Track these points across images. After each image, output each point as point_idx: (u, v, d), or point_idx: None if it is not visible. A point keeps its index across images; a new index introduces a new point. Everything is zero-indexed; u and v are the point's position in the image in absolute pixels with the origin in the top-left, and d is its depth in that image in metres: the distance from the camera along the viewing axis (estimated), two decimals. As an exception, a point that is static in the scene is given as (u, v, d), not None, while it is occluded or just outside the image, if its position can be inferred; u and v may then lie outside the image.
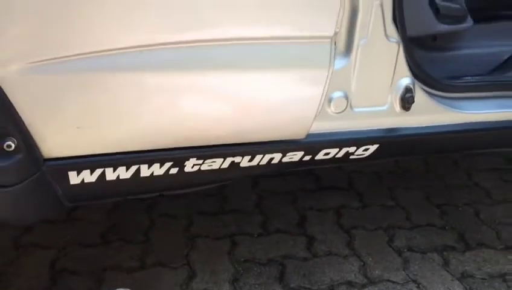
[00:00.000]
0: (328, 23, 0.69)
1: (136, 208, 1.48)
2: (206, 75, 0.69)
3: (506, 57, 1.03)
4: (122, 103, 0.69)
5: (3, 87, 0.61)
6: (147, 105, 0.71)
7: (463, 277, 1.30)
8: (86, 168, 0.72)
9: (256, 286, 1.24)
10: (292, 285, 1.24)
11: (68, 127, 0.67)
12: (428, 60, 1.00)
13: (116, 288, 1.13)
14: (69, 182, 0.73)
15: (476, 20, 0.99)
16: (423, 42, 0.98)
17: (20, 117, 0.64)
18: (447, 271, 1.32)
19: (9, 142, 0.64)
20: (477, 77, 0.94)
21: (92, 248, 1.33)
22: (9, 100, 0.62)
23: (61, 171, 0.71)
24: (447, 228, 1.49)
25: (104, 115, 0.69)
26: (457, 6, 0.93)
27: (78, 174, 0.72)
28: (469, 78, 0.93)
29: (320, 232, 1.44)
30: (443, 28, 0.94)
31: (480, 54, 1.02)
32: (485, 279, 1.30)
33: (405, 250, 1.39)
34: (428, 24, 0.93)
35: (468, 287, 1.26)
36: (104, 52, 0.64)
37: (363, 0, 0.75)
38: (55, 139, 0.68)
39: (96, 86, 0.66)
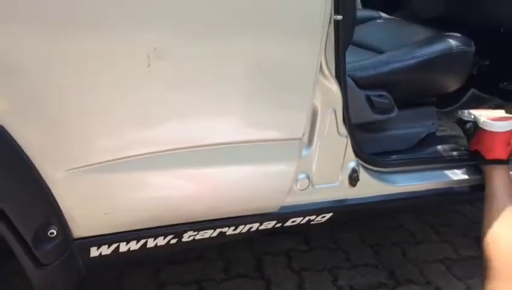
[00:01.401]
0: (298, 130, 0.93)
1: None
2: (206, 170, 0.89)
3: (423, 136, 1.33)
4: (136, 196, 0.87)
5: (50, 187, 0.77)
6: (155, 195, 0.89)
7: (396, 310, 1.57)
8: (104, 244, 0.89)
9: (223, 327, 1.42)
10: (255, 326, 1.44)
11: (97, 214, 0.84)
12: (368, 139, 1.26)
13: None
14: (89, 255, 0.89)
15: (400, 107, 1.27)
16: (362, 126, 1.25)
17: (61, 209, 0.80)
18: (382, 306, 1.58)
19: (52, 230, 0.79)
20: (403, 155, 1.22)
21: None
22: (54, 197, 0.78)
23: (85, 247, 0.87)
24: (379, 266, 1.76)
25: (123, 205, 0.86)
26: (386, 101, 1.21)
27: (98, 248, 0.89)
28: (398, 156, 1.20)
29: (275, 275, 1.65)
30: (377, 117, 1.21)
31: (404, 134, 1.30)
32: (413, 312, 1.57)
33: (347, 288, 1.64)
34: (366, 115, 1.20)
35: (399, 320, 1.53)
36: (125, 159, 0.83)
37: (321, 108, 0.99)
38: (85, 223, 0.84)
39: (119, 184, 0.84)
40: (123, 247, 0.91)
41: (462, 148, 1.31)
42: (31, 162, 0.74)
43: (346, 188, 1.10)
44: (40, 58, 0.72)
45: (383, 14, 1.68)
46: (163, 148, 0.85)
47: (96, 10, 0.72)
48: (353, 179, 1.09)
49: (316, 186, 1.06)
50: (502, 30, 1.64)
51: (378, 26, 1.59)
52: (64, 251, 0.83)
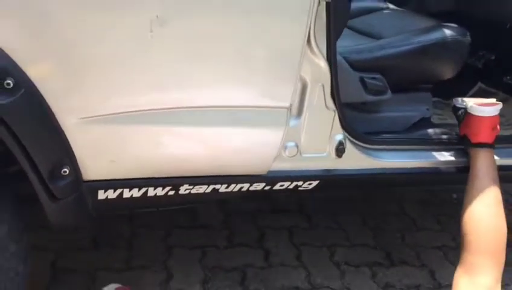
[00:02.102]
0: (285, 100, 1.04)
1: (119, 220, 1.76)
2: (202, 130, 1.02)
3: (415, 120, 1.41)
4: (140, 147, 1.01)
5: (65, 132, 0.92)
6: (156, 148, 1.03)
7: (386, 287, 1.65)
8: (110, 188, 1.03)
9: (222, 287, 1.55)
10: (251, 288, 1.56)
11: (104, 160, 0.99)
12: (360, 119, 1.36)
13: (108, 284, 1.41)
14: (97, 197, 1.03)
15: (395, 91, 1.37)
16: (356, 106, 1.35)
17: (73, 152, 0.94)
18: (374, 282, 1.67)
19: (65, 169, 0.94)
20: (391, 134, 1.31)
21: (85, 252, 1.61)
22: (68, 141, 0.93)
23: (93, 189, 1.02)
24: (377, 247, 1.85)
25: (127, 154, 1.00)
26: (380, 83, 1.30)
27: (105, 192, 1.03)
28: (386, 135, 1.30)
29: (275, 247, 1.77)
30: (369, 98, 1.31)
31: (397, 117, 1.39)
32: (403, 289, 1.66)
33: (343, 264, 1.74)
34: (359, 95, 1.30)
35: (389, 296, 1.62)
36: (131, 112, 0.96)
37: (310, 82, 1.10)
38: (93, 168, 0.99)
39: (125, 135, 0.98)
40: (126, 193, 1.05)
41: (453, 133, 1.39)
42: (50, 109, 0.89)
43: (333, 159, 1.20)
44: (65, 22, 0.86)
45: (392, 6, 1.77)
46: (164, 106, 0.99)
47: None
48: (339, 150, 1.19)
49: (304, 155, 1.17)
50: (508, 26, 1.70)
51: (384, 16, 1.68)
52: (75, 189, 0.97)
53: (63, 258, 1.57)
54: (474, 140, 1.31)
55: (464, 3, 1.70)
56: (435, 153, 1.33)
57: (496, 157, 1.36)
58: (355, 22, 1.67)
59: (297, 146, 1.16)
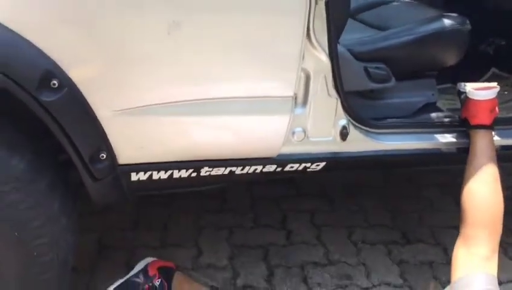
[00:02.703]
0: (289, 90, 1.19)
1: (156, 205, 1.96)
2: (218, 119, 1.18)
3: (420, 105, 1.52)
4: (165, 134, 1.18)
5: (102, 122, 1.10)
6: (179, 135, 1.20)
7: (400, 263, 1.77)
8: (141, 171, 1.21)
9: (246, 262, 1.71)
10: (273, 263, 1.72)
11: (135, 147, 1.16)
12: (367, 105, 1.48)
13: (145, 258, 1.59)
14: (130, 179, 1.21)
15: (400, 79, 1.48)
16: (364, 94, 1.47)
17: (109, 140, 1.12)
18: (389, 258, 1.79)
19: (103, 154, 1.12)
20: (394, 119, 1.43)
21: (126, 231, 1.82)
22: (104, 131, 1.11)
23: (127, 172, 1.20)
24: (394, 228, 1.96)
25: (155, 141, 1.18)
26: (383, 72, 1.42)
27: (136, 174, 1.21)
28: (389, 119, 1.42)
29: (297, 227, 1.92)
30: (374, 86, 1.43)
31: (402, 102, 1.50)
32: (416, 264, 1.76)
33: (360, 242, 1.86)
34: (363, 84, 1.42)
35: (402, 269, 1.73)
36: (156, 105, 1.13)
37: (313, 73, 1.24)
38: (126, 153, 1.17)
39: (152, 125, 1.15)
40: (155, 175, 1.23)
41: (456, 117, 1.49)
42: (88, 104, 1.07)
43: (338, 142, 1.33)
44: (99, 29, 1.03)
45: (401, -3, 1.87)
46: (184, 99, 1.15)
47: None
48: (343, 134, 1.32)
49: (311, 139, 1.31)
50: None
51: (393, 8, 1.78)
52: (111, 171, 1.16)
53: (107, 237, 1.78)
54: (473, 122, 1.40)
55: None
56: (437, 135, 1.43)
57: (498, 137, 1.45)
58: (366, 15, 1.79)
59: (304, 131, 1.30)
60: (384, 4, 1.82)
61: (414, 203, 2.12)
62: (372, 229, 1.94)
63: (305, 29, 1.15)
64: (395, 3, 1.81)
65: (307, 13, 1.13)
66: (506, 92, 1.85)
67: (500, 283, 1.23)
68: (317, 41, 1.21)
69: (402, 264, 1.76)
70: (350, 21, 1.77)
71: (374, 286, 1.65)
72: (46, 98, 1.00)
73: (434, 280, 1.68)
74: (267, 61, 1.17)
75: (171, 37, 1.07)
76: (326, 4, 1.18)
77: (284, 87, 1.19)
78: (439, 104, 1.63)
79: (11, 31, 0.97)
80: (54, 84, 1.00)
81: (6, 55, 0.97)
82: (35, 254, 1.12)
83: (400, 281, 1.67)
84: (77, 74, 1.04)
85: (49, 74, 1.00)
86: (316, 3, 1.15)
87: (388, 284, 1.65)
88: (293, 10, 1.12)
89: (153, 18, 1.06)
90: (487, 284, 1.21)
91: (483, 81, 1.91)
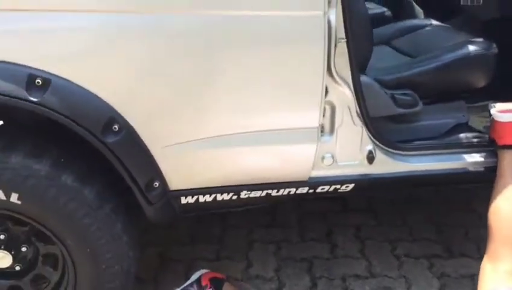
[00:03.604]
0: (314, 122, 1.35)
1: (212, 221, 2.18)
2: (254, 148, 1.37)
3: (451, 126, 1.61)
4: (209, 164, 1.39)
5: (154, 156, 1.33)
6: (221, 165, 1.40)
7: (441, 276, 1.85)
8: (189, 195, 1.43)
9: (291, 274, 1.88)
10: (316, 275, 1.87)
11: (182, 175, 1.39)
12: (397, 129, 1.61)
13: (199, 269, 1.80)
14: (180, 202, 1.44)
15: (427, 102, 1.59)
16: (393, 118, 1.60)
17: (160, 171, 1.35)
18: (430, 271, 1.87)
19: (156, 183, 1.35)
20: (420, 141, 1.54)
21: (184, 246, 2.05)
22: (156, 163, 1.34)
23: (177, 196, 1.42)
24: (438, 241, 2.04)
25: (200, 170, 1.39)
26: (409, 98, 1.54)
27: (185, 198, 1.43)
28: (416, 142, 1.53)
29: (342, 241, 2.05)
30: (401, 111, 1.55)
31: (431, 124, 1.61)
32: (457, 278, 1.83)
33: (402, 256, 1.96)
34: (391, 109, 1.55)
35: (442, 282, 1.81)
36: (201, 139, 1.34)
37: (338, 105, 1.39)
38: (175, 181, 1.39)
39: (197, 156, 1.36)
40: (201, 198, 1.44)
41: (486, 137, 1.57)
42: (143, 142, 1.30)
43: (365, 165, 1.47)
44: (156, 80, 1.26)
45: (435, 22, 1.96)
46: (227, 133, 1.35)
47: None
48: (370, 158, 1.46)
49: (340, 163, 1.47)
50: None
51: (424, 34, 1.89)
52: (164, 196, 1.38)
53: (168, 250, 2.02)
54: (500, 142, 1.48)
55: (506, 9, 1.84)
56: (465, 155, 1.53)
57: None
58: (400, 42, 1.91)
59: (332, 156, 1.46)
60: (418, 29, 1.92)
61: (462, 217, 2.17)
62: (416, 243, 2.03)
63: (325, 66, 1.31)
64: (427, 28, 1.91)
65: (327, 52, 1.29)
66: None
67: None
68: (339, 76, 1.37)
69: (443, 278, 1.84)
70: (384, 48, 1.91)
71: (413, 298, 1.74)
72: (109, 139, 1.24)
73: (473, 293, 1.74)
74: (293, 97, 1.35)
75: (216, 81, 1.28)
76: (347, 44, 1.34)
77: (309, 119, 1.36)
78: (474, 123, 1.71)
79: (80, 86, 1.22)
80: (115, 128, 1.25)
81: (77, 106, 1.22)
82: (103, 266, 1.37)
83: (439, 294, 1.75)
84: (133, 119, 1.27)
85: (112, 120, 1.24)
86: (336, 44, 1.31)
87: (427, 297, 1.74)
88: (313, 50, 1.29)
89: (198, 67, 1.26)
90: (510, 298, 1.29)
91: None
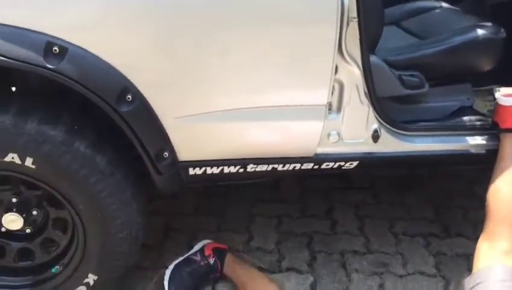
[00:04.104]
0: (322, 99, 1.39)
1: (215, 194, 2.24)
2: (262, 123, 1.41)
3: (454, 108, 1.66)
4: (217, 137, 1.43)
5: (165, 127, 1.37)
6: (229, 137, 1.44)
7: (437, 254, 1.92)
8: (197, 166, 1.48)
9: (291, 248, 1.95)
10: (316, 249, 1.94)
11: (192, 147, 1.43)
12: (403, 109, 1.65)
13: (202, 240, 1.87)
14: (188, 173, 1.49)
15: (433, 84, 1.63)
16: (399, 99, 1.64)
17: (171, 141, 1.40)
18: (426, 249, 1.94)
19: (166, 153, 1.40)
20: (425, 122, 1.58)
21: (188, 217, 2.10)
22: (167, 134, 1.38)
23: (185, 167, 1.47)
24: (436, 221, 2.10)
25: (209, 142, 1.44)
26: (416, 79, 1.58)
27: (193, 169, 1.48)
28: (420, 123, 1.57)
29: (341, 218, 2.12)
30: (407, 92, 1.59)
31: (436, 106, 1.65)
32: (453, 256, 1.91)
33: (400, 234, 2.03)
34: (398, 90, 1.58)
35: (438, 261, 1.89)
36: (209, 112, 1.38)
37: (346, 84, 1.43)
38: (184, 152, 1.44)
39: (207, 128, 1.40)
40: (209, 170, 1.49)
41: (489, 120, 1.61)
42: (155, 113, 1.34)
43: (370, 143, 1.52)
44: (169, 51, 1.30)
45: (445, 5, 1.98)
46: (236, 107, 1.39)
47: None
48: (375, 137, 1.51)
49: (345, 141, 1.51)
50: None
51: (433, 16, 1.91)
52: (173, 167, 1.43)
53: (173, 220, 2.08)
54: (502, 126, 1.53)
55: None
56: (467, 137, 1.58)
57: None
58: (409, 23, 1.93)
59: (338, 134, 1.50)
60: (428, 11, 1.94)
61: (461, 199, 2.23)
62: (414, 222, 2.10)
63: (337, 45, 1.35)
64: (437, 11, 1.94)
65: (338, 31, 1.33)
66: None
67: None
68: (349, 55, 1.40)
69: (438, 256, 1.91)
70: (394, 28, 1.94)
71: (409, 274, 1.82)
72: (123, 109, 1.29)
73: (468, 272, 1.81)
74: (303, 75, 1.39)
75: (227, 56, 1.31)
76: (359, 23, 1.37)
77: (318, 96, 1.40)
78: (479, 106, 1.75)
79: (96, 56, 1.25)
80: (128, 98, 1.29)
81: (93, 75, 1.26)
82: (113, 231, 1.43)
83: (434, 271, 1.83)
84: (146, 90, 1.31)
85: (125, 89, 1.28)
86: (348, 23, 1.34)
87: (422, 273, 1.82)
88: (325, 29, 1.32)
89: (210, 41, 1.30)
90: (504, 275, 1.36)
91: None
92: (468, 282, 1.40)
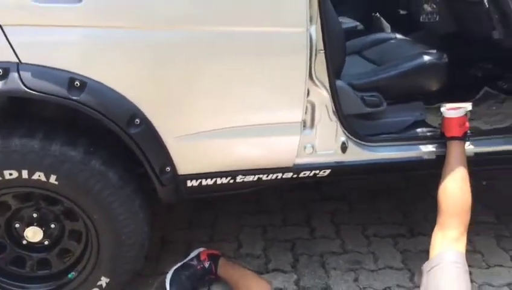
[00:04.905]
0: (297, 117, 1.68)
1: (206, 209, 2.48)
2: (249, 140, 1.69)
3: (410, 123, 1.97)
4: (211, 153, 1.70)
5: (167, 145, 1.63)
6: (221, 153, 1.71)
7: (404, 251, 2.20)
8: (194, 179, 1.74)
9: (276, 252, 2.20)
10: (298, 252, 2.20)
11: (190, 162, 1.69)
12: (366, 125, 1.95)
13: (197, 248, 2.11)
14: (187, 185, 1.74)
15: (390, 102, 1.95)
16: (363, 116, 1.94)
17: (172, 158, 1.66)
18: (395, 248, 2.22)
19: (168, 168, 1.66)
20: (387, 134, 1.89)
21: (183, 230, 2.34)
22: (168, 151, 1.64)
23: (184, 180, 1.73)
24: (403, 224, 2.39)
25: (203, 157, 1.70)
26: (376, 99, 1.89)
27: (190, 181, 1.74)
28: (382, 135, 1.88)
29: (319, 225, 2.39)
30: (369, 110, 1.90)
31: (394, 121, 1.96)
32: (417, 253, 2.19)
33: (371, 236, 2.31)
34: (361, 108, 1.89)
35: (404, 257, 2.17)
36: (204, 132, 1.66)
37: (317, 104, 1.73)
38: (183, 167, 1.70)
39: (202, 145, 1.67)
40: (204, 182, 1.75)
41: (438, 131, 1.93)
42: (158, 134, 1.60)
43: (339, 153, 1.81)
44: (168, 84, 1.57)
45: (399, 36, 2.33)
46: (224, 126, 1.66)
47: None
48: (343, 148, 1.80)
49: (319, 152, 1.80)
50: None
51: (389, 45, 2.26)
52: (174, 180, 1.69)
53: (168, 235, 2.32)
54: (447, 135, 1.85)
55: (460, 26, 2.22)
56: (421, 146, 1.89)
57: (471, 146, 1.89)
58: (369, 52, 2.27)
59: (313, 147, 1.79)
60: (385, 42, 2.29)
61: (423, 203, 2.53)
62: (383, 226, 2.39)
63: (307, 72, 1.64)
64: (392, 41, 2.28)
65: (308, 61, 1.62)
66: (494, 108, 2.26)
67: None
68: (318, 81, 1.70)
69: (405, 253, 2.19)
70: (356, 57, 2.27)
71: (379, 269, 2.10)
72: (132, 131, 1.55)
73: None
74: (281, 98, 1.68)
75: (215, 85, 1.59)
76: (325, 54, 1.67)
77: (294, 115, 1.69)
78: (431, 121, 2.07)
79: (110, 88, 1.51)
80: (137, 122, 1.55)
81: (108, 104, 1.52)
82: (123, 237, 1.67)
83: (402, 265, 2.11)
84: (151, 115, 1.58)
85: (134, 115, 1.54)
86: (316, 54, 1.65)
87: (391, 267, 2.10)
88: (297, 60, 1.62)
89: (199, 73, 1.58)
90: (456, 258, 1.65)
91: (478, 99, 2.33)
92: (426, 266, 1.69)
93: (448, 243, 1.70)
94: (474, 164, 1.88)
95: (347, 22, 2.63)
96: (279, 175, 1.81)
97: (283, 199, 2.59)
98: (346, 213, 2.49)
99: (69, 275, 1.75)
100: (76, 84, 1.47)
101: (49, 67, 1.46)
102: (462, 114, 1.84)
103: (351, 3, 2.72)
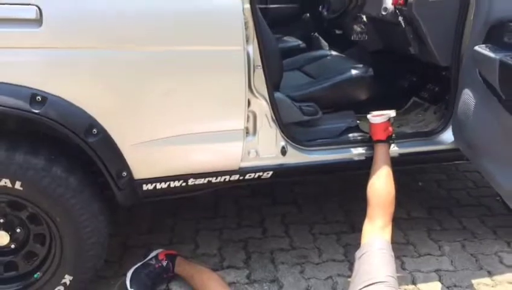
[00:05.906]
0: (240, 125, 1.87)
1: (165, 214, 2.62)
2: (197, 146, 1.86)
3: (343, 129, 2.19)
4: (164, 158, 1.86)
5: (123, 152, 1.78)
6: (173, 158, 1.88)
7: (345, 245, 2.39)
8: (149, 183, 1.89)
9: (231, 251, 2.35)
10: (251, 250, 2.35)
11: (144, 167, 1.85)
12: (305, 131, 2.16)
13: (155, 250, 2.24)
14: (143, 188, 1.89)
15: (325, 111, 2.16)
16: (302, 123, 2.14)
17: (128, 163, 1.81)
18: (337, 243, 2.41)
19: (124, 173, 1.81)
20: (323, 139, 2.09)
21: (144, 235, 2.47)
22: (124, 157, 1.79)
23: (140, 184, 1.88)
24: (346, 222, 2.59)
25: (157, 163, 1.86)
26: (312, 108, 2.10)
27: (146, 185, 1.89)
28: (319, 140, 2.08)
29: (271, 226, 2.55)
30: (306, 118, 2.11)
31: (329, 128, 2.17)
32: (356, 246, 2.36)
33: (317, 234, 2.49)
34: (299, 117, 2.10)
35: (346, 250, 2.35)
36: (158, 139, 1.82)
37: (258, 113, 1.92)
38: (139, 171, 1.85)
39: (155, 152, 1.83)
40: (158, 185, 1.91)
41: (367, 135, 2.15)
42: (114, 141, 1.75)
43: (280, 157, 2.01)
44: (123, 96, 1.73)
45: (334, 52, 2.57)
46: (174, 134, 1.83)
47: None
48: (283, 152, 2.00)
49: (261, 156, 1.99)
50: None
51: (325, 61, 2.49)
52: (130, 184, 1.84)
53: (129, 239, 2.45)
54: (374, 138, 2.07)
55: (385, 43, 2.47)
56: (352, 149, 2.10)
57: (396, 148, 2.11)
58: (307, 67, 2.50)
59: (256, 151, 1.98)
60: (322, 58, 2.52)
61: (364, 203, 2.73)
62: (328, 225, 2.58)
63: (247, 85, 1.84)
64: (328, 57, 2.52)
65: (247, 76, 1.82)
66: (420, 115, 2.51)
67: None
68: (258, 92, 1.90)
69: (346, 247, 2.38)
70: (297, 72, 2.49)
71: (323, 262, 2.28)
72: (90, 140, 1.70)
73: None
74: (225, 108, 1.87)
75: (165, 97, 1.76)
76: (263, 69, 1.87)
77: (237, 123, 1.88)
78: (363, 126, 2.29)
79: (68, 101, 1.66)
80: (94, 131, 1.70)
81: (67, 116, 1.67)
82: (84, 238, 1.80)
83: (343, 258, 2.30)
84: (107, 125, 1.74)
85: (91, 125, 1.70)
86: (254, 70, 1.84)
87: (334, 260, 2.29)
88: (237, 75, 1.81)
89: (151, 87, 1.75)
90: (382, 245, 1.84)
91: (407, 107, 2.58)
92: (358, 253, 1.88)
93: (375, 231, 1.90)
94: (399, 163, 2.11)
95: (291, 41, 2.86)
96: (227, 177, 1.98)
97: (238, 204, 2.76)
98: (295, 215, 2.68)
99: (35, 275, 1.86)
100: (38, 98, 1.62)
101: (13, 84, 1.60)
102: (385, 120, 2.07)
103: (294, 24, 2.96)
